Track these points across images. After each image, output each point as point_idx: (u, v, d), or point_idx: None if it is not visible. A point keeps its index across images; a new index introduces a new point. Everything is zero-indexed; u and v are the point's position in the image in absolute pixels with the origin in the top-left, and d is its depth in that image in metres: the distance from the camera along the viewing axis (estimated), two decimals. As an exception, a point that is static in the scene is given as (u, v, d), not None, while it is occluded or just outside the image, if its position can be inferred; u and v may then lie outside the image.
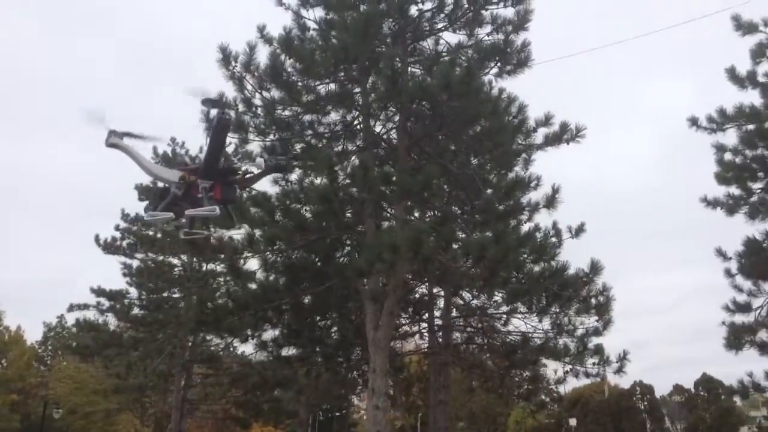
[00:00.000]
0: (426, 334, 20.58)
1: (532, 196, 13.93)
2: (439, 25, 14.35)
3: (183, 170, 7.14)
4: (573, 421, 46.65)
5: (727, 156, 16.48)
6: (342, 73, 13.57)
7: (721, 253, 16.90)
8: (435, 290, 19.19)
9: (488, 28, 13.74)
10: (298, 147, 14.70)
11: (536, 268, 13.78)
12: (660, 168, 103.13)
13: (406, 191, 11.76)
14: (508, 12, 13.55)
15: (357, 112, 14.48)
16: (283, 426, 37.61)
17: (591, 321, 16.75)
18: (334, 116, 14.54)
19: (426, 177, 11.18)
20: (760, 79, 16.53)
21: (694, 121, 16.95)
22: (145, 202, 8.78)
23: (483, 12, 13.74)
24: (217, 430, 35.12)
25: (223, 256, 13.49)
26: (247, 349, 18.62)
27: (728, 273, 16.79)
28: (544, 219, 14.76)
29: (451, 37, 14.36)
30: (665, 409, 50.19)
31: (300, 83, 13.51)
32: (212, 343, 24.71)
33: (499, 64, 13.50)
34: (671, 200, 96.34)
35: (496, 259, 10.29)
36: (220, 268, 25.77)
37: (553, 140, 13.12)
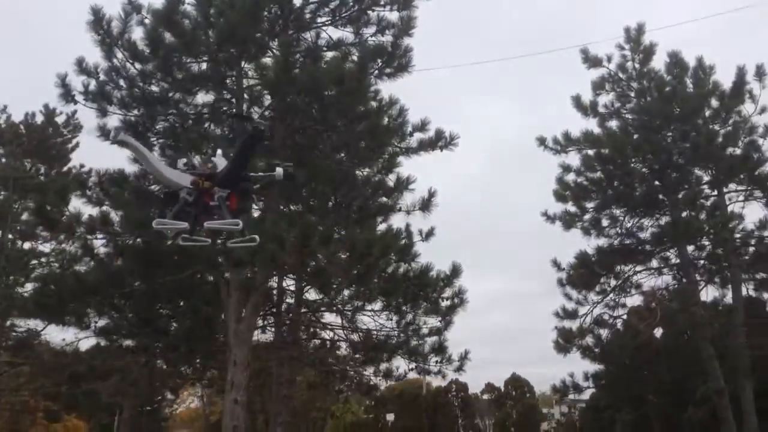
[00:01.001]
0: (271, 328, 20.34)
1: (408, 198, 14.30)
2: (323, 19, 14.33)
3: (196, 175, 6.60)
4: (390, 417, 48.40)
5: (570, 176, 18.11)
6: (222, 54, 13.02)
7: (556, 264, 18.55)
8: (284, 284, 19.04)
9: (373, 29, 13.95)
10: (161, 125, 13.96)
11: (401, 268, 14.22)
12: (483, 181, 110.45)
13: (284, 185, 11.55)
14: (394, 16, 13.85)
15: (230, 96, 14.02)
16: (91, 418, 35.21)
17: (434, 321, 17.69)
18: (203, 97, 13.99)
19: (308, 172, 11.08)
20: (600, 109, 18.41)
21: (542, 141, 18.43)
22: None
23: (369, 12, 13.90)
24: (13, 423, 32.02)
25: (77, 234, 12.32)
26: (67, 335, 17.32)
27: (560, 282, 18.48)
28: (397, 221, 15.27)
29: (334, 33, 14.37)
30: (477, 406, 53.86)
31: (175, 59, 12.79)
32: (21, 328, 22.75)
33: (381, 65, 13.71)
34: (493, 212, 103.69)
35: (377, 256, 10.46)
36: (47, 248, 23.55)
37: (428, 145, 13.56)
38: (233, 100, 13.97)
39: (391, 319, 18.01)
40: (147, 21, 12.38)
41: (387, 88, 13.92)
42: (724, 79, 17.74)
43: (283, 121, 13.34)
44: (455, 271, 14.47)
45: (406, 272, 14.20)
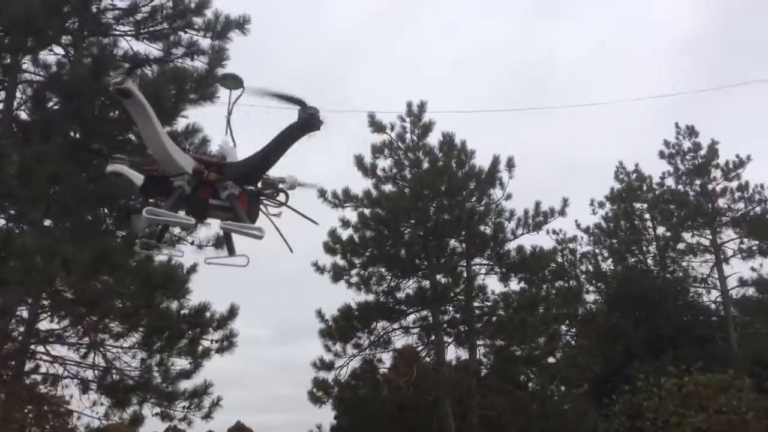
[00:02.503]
0: None
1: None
2: (126, 28, 13.40)
3: (200, 161, 4.99)
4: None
5: (349, 231, 18.85)
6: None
7: (320, 314, 18.96)
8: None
9: (181, 51, 13.39)
10: None
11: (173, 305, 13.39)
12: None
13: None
14: (206, 42, 13.47)
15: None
16: None
17: (185, 362, 16.82)
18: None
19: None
20: (379, 172, 19.61)
21: (322, 193, 18.96)
22: None
23: (181, 33, 13.34)
24: None
25: None
26: None
27: (322, 333, 18.89)
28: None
29: (138, 45, 13.47)
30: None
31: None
32: None
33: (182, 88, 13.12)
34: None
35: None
36: None
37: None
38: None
39: (138, 357, 16.77)
40: None
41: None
42: (483, 162, 20.10)
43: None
44: (232, 312, 14.05)
45: (179, 309, 13.42)
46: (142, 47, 13.41)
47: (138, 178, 5.68)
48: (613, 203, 28.06)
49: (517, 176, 19.69)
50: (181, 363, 16.79)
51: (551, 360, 19.15)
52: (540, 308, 18.20)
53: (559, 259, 27.02)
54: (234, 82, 6.10)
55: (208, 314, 13.63)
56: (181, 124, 12.88)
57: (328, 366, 18.60)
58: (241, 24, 13.50)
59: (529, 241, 19.66)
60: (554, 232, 27.43)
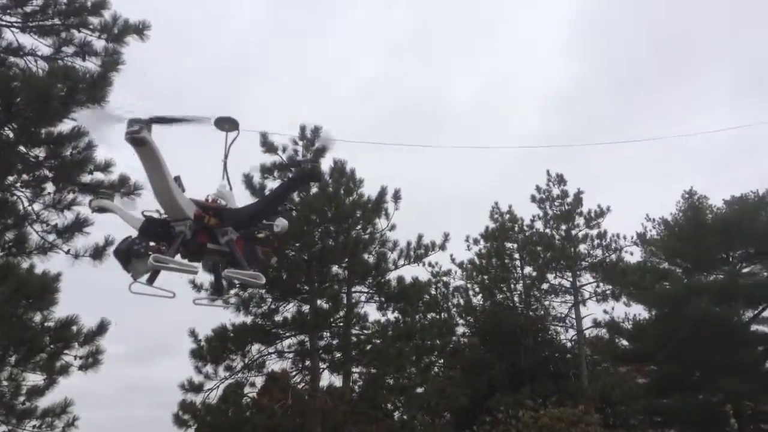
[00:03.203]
0: None
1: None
2: (13, 19, 12.55)
3: (201, 207, 4.53)
4: None
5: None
6: None
7: (193, 334, 18.35)
8: None
9: (72, 50, 12.71)
10: None
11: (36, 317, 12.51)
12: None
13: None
14: (100, 44, 12.88)
15: None
16: None
17: (38, 378, 15.73)
18: None
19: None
20: (266, 192, 19.42)
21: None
22: None
23: (74, 31, 12.68)
24: None
25: None
26: None
27: (193, 353, 18.27)
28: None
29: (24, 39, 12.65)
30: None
31: None
32: None
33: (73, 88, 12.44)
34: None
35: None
36: None
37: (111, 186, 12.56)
38: None
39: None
40: None
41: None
42: (370, 191, 20.49)
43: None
44: (101, 327, 13.31)
45: (43, 321, 12.55)
46: (29, 41, 12.64)
47: (126, 215, 5.46)
48: (487, 241, 29.45)
49: (402, 207, 20.28)
50: (34, 378, 15.78)
51: (420, 390, 19.60)
52: (415, 339, 18.68)
53: (433, 291, 27.85)
54: (230, 124, 5.99)
55: (75, 328, 12.80)
56: (67, 126, 12.20)
57: (197, 388, 18.00)
58: (140, 29, 13.02)
59: (408, 272, 20.25)
60: (430, 264, 28.29)
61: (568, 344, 29.34)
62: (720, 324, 26.99)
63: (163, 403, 27.60)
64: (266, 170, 19.77)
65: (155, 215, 5.52)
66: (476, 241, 29.48)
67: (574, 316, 28.58)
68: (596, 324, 28.62)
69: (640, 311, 29.56)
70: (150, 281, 5.48)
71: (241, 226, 5.59)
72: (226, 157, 6.16)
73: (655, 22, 63.07)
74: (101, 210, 5.72)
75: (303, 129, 19.94)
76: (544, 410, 23.41)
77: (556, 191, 29.24)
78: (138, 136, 4.92)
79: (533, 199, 29.37)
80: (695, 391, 28.00)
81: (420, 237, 20.34)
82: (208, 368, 18.22)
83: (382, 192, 20.50)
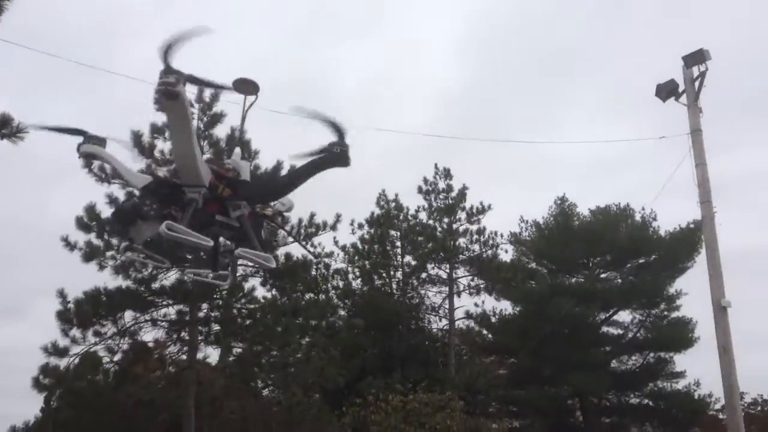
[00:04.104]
0: None
1: None
2: None
3: (216, 174, 3.62)
4: None
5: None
6: None
7: (62, 295, 17.07)
8: None
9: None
10: None
11: None
12: None
13: None
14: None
15: None
16: None
17: None
18: None
19: None
20: (156, 153, 18.43)
21: (88, 164, 17.21)
22: None
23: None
24: None
25: None
26: None
27: (60, 315, 17.01)
28: None
29: None
30: None
31: None
32: None
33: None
34: None
35: None
36: None
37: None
38: None
39: None
40: None
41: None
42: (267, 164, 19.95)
43: None
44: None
45: None
46: None
47: (122, 167, 4.76)
48: (371, 227, 29.70)
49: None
50: None
51: (300, 368, 19.44)
52: (300, 317, 18.50)
53: (314, 272, 27.74)
54: (250, 86, 5.39)
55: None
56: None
57: (61, 352, 16.79)
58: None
59: (297, 250, 19.99)
60: (313, 245, 28.10)
61: (440, 333, 30.34)
62: (577, 324, 29.09)
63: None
64: (157, 130, 18.76)
65: (162, 175, 5.00)
66: (361, 226, 29.64)
67: (447, 306, 29.59)
68: (468, 315, 29.84)
69: (507, 306, 31.19)
70: (145, 245, 4.98)
71: (256, 201, 5.26)
72: (243, 121, 5.69)
73: (539, 39, 66.49)
74: (90, 157, 5.07)
75: (201, 91, 19.11)
76: (413, 395, 24.07)
77: (442, 185, 30.05)
78: (173, 89, 4.47)
79: (420, 190, 30.02)
80: (548, 384, 30.00)
81: (312, 216, 20.11)
82: (75, 332, 17.03)
83: (278, 166, 20.04)
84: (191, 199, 4.89)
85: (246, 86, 5.75)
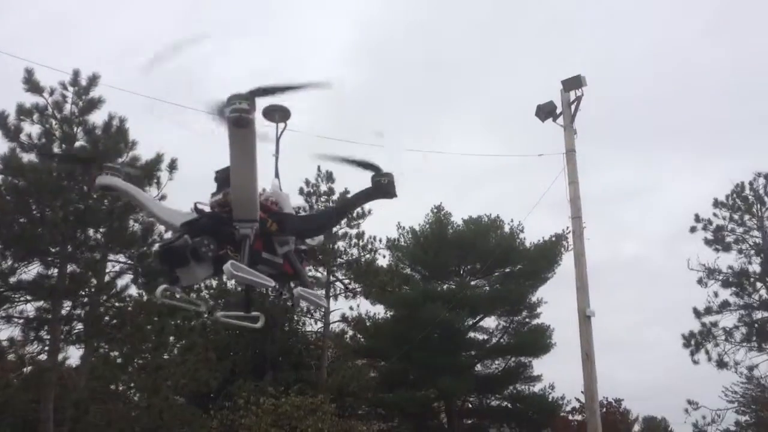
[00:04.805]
0: None
1: None
2: None
3: (265, 208, 4.28)
4: None
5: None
6: None
7: None
8: None
9: None
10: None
11: None
12: None
13: None
14: None
15: None
16: None
17: None
18: None
19: None
20: (23, 136, 16.99)
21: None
22: None
23: None
24: None
25: None
26: None
27: None
28: None
29: None
30: None
31: None
32: None
33: None
34: None
35: None
36: None
37: None
38: None
39: None
40: None
41: None
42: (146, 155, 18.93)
43: None
44: None
45: None
46: None
47: (147, 200, 4.16)
48: (249, 226, 29.05)
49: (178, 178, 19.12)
50: None
51: (166, 371, 18.62)
52: (176, 318, 17.71)
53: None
54: (281, 114, 4.93)
55: None
56: None
57: None
58: None
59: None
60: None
61: (313, 336, 30.24)
62: (446, 329, 30.11)
63: None
64: (25, 112, 17.34)
65: (206, 209, 4.53)
66: (238, 225, 28.90)
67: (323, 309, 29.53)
68: (343, 319, 29.95)
69: (381, 311, 31.70)
70: (183, 288, 4.52)
71: (304, 235, 4.99)
72: (277, 151, 5.27)
73: (427, 50, 68.37)
74: (106, 189, 4.51)
75: (77, 74, 17.89)
76: (285, 398, 23.87)
77: (323, 187, 30.00)
78: (247, 117, 4.08)
79: (301, 191, 29.79)
80: (416, 387, 30.83)
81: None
82: None
83: (157, 159, 19.16)
84: (244, 235, 4.56)
85: (275, 113, 5.51)
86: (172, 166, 19.15)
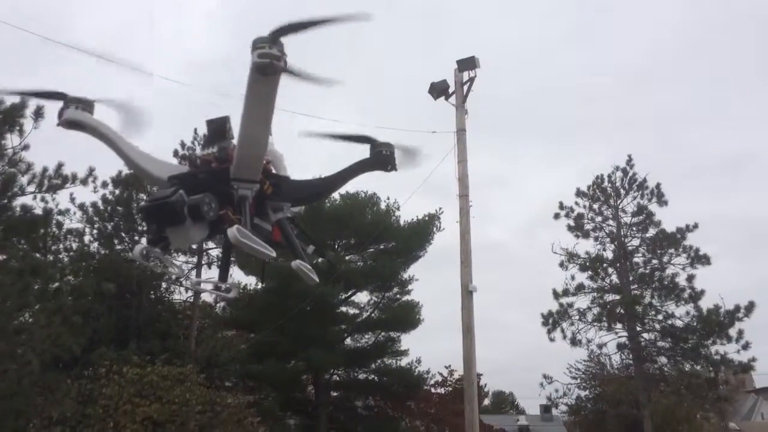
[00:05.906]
0: None
1: None
2: None
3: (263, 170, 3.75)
4: None
5: None
6: None
7: None
8: None
9: None
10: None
11: None
12: None
13: None
14: None
15: None
16: None
17: None
18: None
19: None
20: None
21: None
22: None
23: None
24: None
25: None
26: None
27: None
28: None
29: None
30: None
31: None
32: None
33: None
34: None
35: None
36: None
37: None
38: None
39: None
40: None
41: None
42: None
43: None
44: None
45: None
46: None
47: (123, 143, 3.37)
48: (116, 186, 27.23)
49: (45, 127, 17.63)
50: None
51: (28, 335, 17.19)
52: (39, 278, 16.35)
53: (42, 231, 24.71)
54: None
55: None
56: None
57: None
58: None
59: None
60: (44, 200, 24.90)
61: (182, 305, 29.08)
62: (319, 302, 30.16)
63: None
64: None
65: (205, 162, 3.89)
66: (105, 185, 26.87)
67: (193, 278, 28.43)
68: (216, 288, 28.92)
69: (253, 282, 31.13)
70: (164, 249, 3.91)
71: (297, 202, 4.49)
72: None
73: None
74: (74, 127, 3.74)
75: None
76: (151, 368, 22.89)
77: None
78: (278, 64, 3.74)
79: (176, 153, 28.27)
80: (286, 360, 30.75)
81: (60, 165, 17.96)
82: None
83: (21, 104, 17.54)
84: (243, 197, 4.17)
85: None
86: (38, 114, 17.64)
